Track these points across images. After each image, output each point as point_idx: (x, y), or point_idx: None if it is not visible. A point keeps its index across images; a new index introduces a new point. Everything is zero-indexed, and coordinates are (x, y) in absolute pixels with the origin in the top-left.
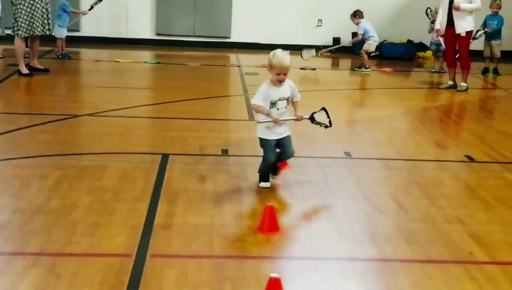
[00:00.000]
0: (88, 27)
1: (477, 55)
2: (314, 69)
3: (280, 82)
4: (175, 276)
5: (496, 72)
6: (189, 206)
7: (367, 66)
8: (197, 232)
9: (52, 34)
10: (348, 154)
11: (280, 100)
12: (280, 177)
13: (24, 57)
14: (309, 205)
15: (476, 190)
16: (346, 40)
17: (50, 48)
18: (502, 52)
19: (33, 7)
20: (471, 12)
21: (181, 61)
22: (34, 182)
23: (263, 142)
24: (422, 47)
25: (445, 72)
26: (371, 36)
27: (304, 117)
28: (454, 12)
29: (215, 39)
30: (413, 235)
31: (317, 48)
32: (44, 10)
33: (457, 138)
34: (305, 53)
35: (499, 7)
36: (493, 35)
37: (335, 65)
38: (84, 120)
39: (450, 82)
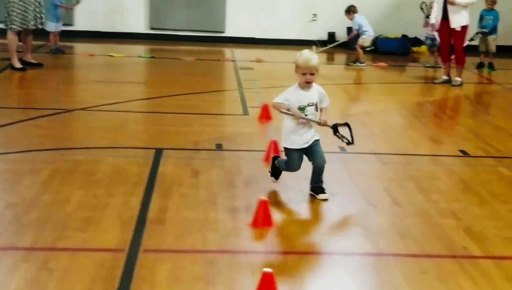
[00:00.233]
0: (82, 21)
1: (472, 49)
2: None
3: (307, 83)
4: (168, 271)
5: (491, 67)
6: (182, 200)
7: (362, 61)
8: (190, 226)
9: (44, 28)
10: (342, 149)
11: (309, 105)
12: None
13: (17, 52)
14: (303, 200)
15: (470, 184)
16: (342, 37)
17: (44, 42)
18: (498, 46)
19: (26, 1)
20: (466, 6)
21: (175, 55)
22: (26, 176)
23: (288, 153)
24: (417, 41)
25: (440, 66)
26: (365, 31)
27: (327, 124)
28: (449, 7)
29: (209, 34)
30: (407, 229)
31: (312, 43)
32: (36, 3)
33: (452, 133)
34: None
35: (494, 2)
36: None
37: (330, 60)
38: (77, 115)
39: (445, 77)
